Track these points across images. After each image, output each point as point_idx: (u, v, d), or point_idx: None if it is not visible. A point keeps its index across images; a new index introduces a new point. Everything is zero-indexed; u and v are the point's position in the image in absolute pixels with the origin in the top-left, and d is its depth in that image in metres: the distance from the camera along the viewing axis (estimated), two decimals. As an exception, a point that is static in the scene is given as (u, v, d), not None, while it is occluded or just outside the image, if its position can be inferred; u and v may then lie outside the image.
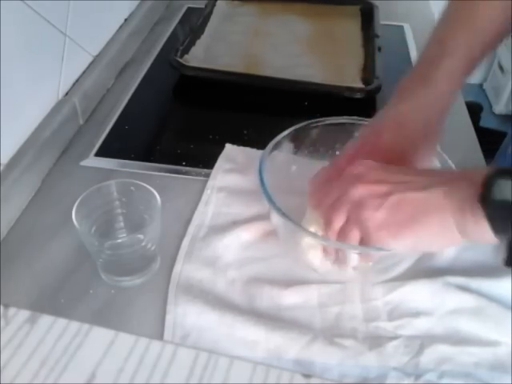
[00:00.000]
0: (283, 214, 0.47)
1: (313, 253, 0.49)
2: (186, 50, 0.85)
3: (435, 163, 0.53)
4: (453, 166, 0.52)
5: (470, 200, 0.37)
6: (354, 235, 0.44)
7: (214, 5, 1.00)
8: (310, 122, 0.58)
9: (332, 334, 0.48)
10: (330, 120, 0.58)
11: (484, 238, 0.37)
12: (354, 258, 0.47)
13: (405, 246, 0.42)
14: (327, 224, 0.45)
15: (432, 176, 0.42)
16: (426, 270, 0.52)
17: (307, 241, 0.49)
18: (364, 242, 0.43)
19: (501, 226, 0.36)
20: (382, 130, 0.50)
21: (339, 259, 0.47)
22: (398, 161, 0.47)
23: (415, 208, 0.40)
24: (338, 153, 0.58)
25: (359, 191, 0.42)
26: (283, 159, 0.57)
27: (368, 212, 0.41)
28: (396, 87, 0.53)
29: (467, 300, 0.50)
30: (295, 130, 0.57)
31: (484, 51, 0.52)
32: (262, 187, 0.49)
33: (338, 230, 0.45)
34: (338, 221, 0.44)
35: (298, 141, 0.58)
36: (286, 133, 0.57)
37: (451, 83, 0.50)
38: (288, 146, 0.58)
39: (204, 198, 0.62)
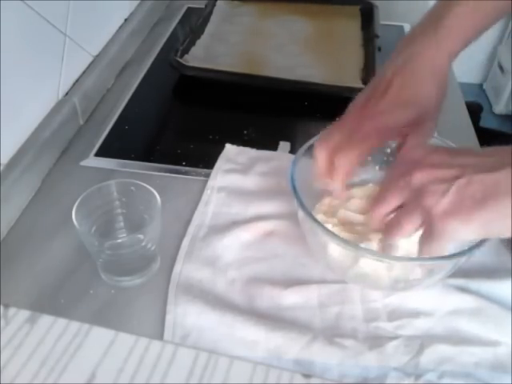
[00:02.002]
0: (321, 225, 0.47)
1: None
2: (186, 50, 0.85)
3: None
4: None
5: None
6: (413, 223, 0.41)
7: (213, 5, 1.00)
8: None
9: (332, 333, 0.48)
10: None
11: None
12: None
13: (473, 232, 0.39)
14: (376, 204, 0.43)
15: (498, 155, 0.39)
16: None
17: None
18: (425, 232, 0.41)
19: None
20: (390, 75, 0.50)
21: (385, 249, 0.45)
22: (404, 108, 0.47)
23: (484, 190, 0.37)
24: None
25: (419, 177, 0.40)
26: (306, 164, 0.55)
27: (432, 198, 0.39)
28: (407, 34, 0.52)
29: (467, 301, 0.50)
30: None
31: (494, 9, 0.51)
32: (294, 193, 0.49)
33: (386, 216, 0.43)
34: (391, 205, 0.42)
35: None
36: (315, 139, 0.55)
37: (460, 32, 0.50)
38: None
39: (204, 197, 0.62)
